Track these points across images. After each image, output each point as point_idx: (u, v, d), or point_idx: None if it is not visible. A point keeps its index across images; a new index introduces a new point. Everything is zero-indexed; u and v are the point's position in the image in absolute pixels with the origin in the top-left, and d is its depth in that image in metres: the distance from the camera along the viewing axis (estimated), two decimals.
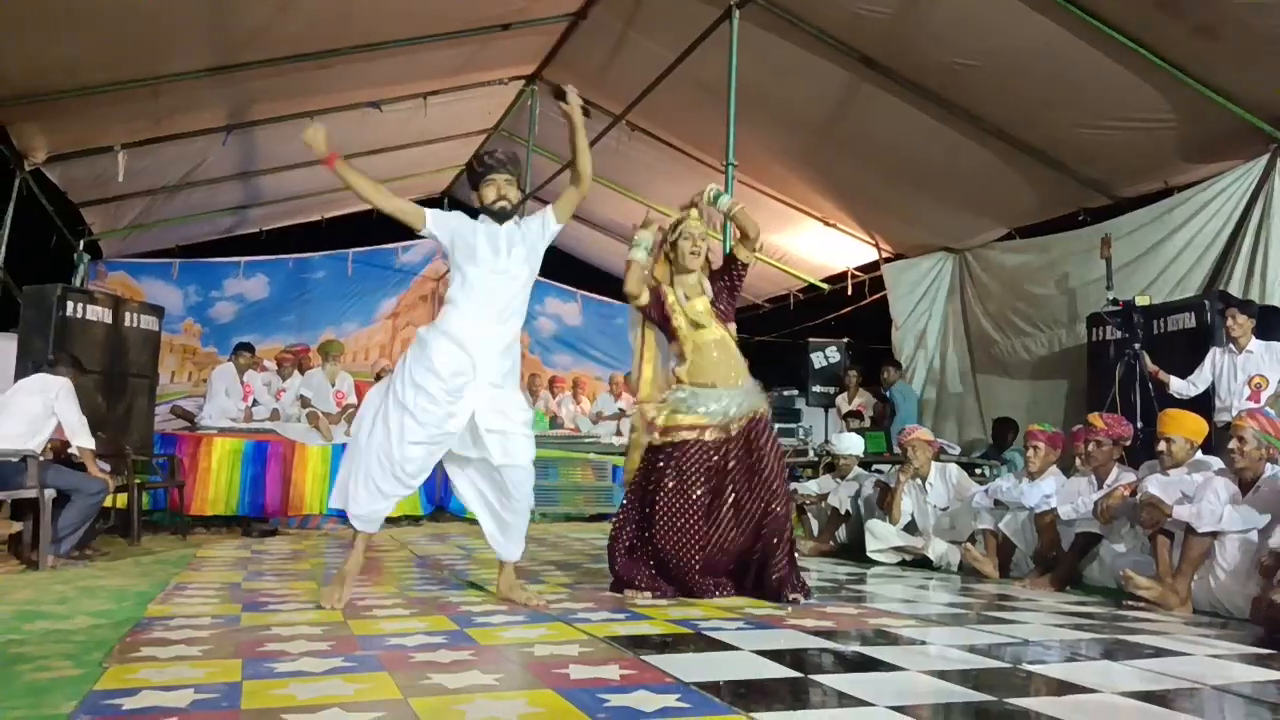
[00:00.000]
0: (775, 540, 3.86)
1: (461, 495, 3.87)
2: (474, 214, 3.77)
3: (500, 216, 3.68)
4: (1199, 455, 4.41)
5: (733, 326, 4.16)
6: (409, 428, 3.49)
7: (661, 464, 3.95)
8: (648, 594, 3.82)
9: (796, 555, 4.01)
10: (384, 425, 3.52)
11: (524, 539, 3.84)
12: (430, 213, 3.71)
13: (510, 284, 3.67)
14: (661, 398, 4.04)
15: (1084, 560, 4.68)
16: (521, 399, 3.80)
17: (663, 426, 3.96)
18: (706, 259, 4.17)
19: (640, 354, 4.24)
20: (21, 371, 6.03)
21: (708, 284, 4.14)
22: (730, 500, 3.89)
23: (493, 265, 3.62)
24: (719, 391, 3.95)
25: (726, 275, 4.17)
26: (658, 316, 4.13)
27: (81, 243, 9.42)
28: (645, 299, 4.12)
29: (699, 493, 3.87)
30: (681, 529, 3.86)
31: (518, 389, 3.81)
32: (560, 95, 3.74)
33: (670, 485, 3.89)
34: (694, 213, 4.16)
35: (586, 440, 9.87)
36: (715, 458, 3.92)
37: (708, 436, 3.92)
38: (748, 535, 3.89)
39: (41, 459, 4.95)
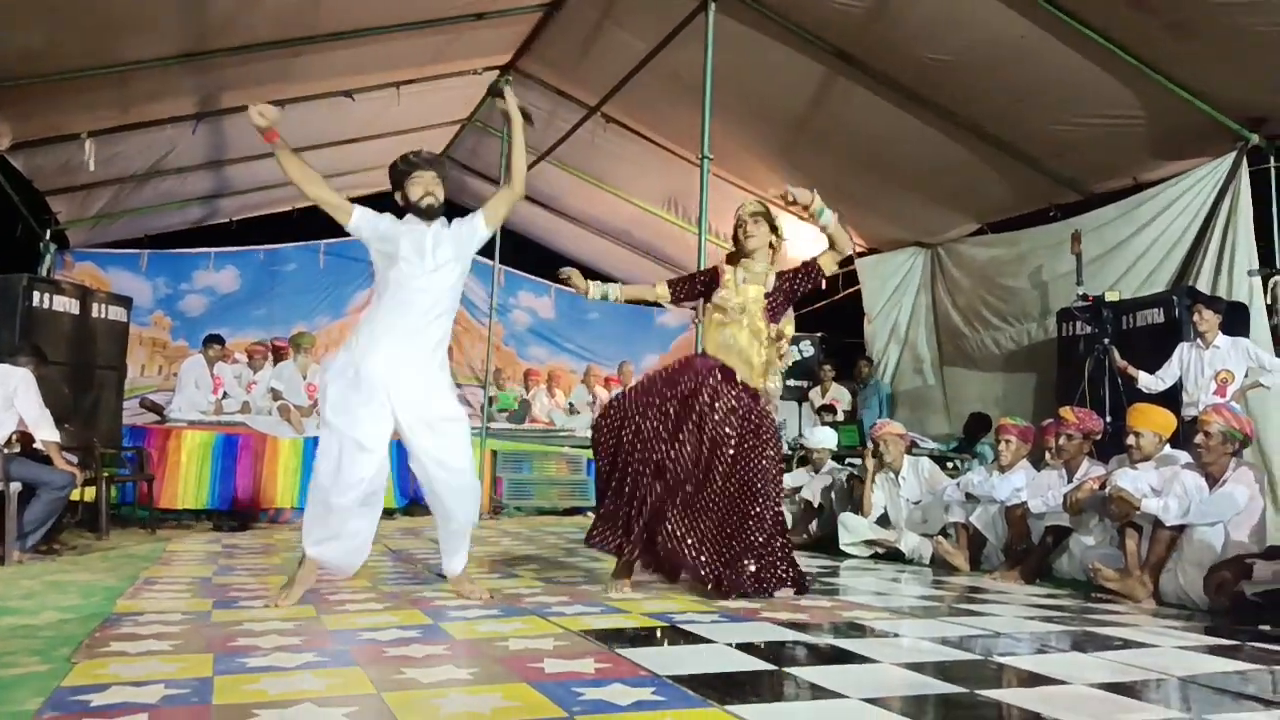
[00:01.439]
0: (761, 518, 3.79)
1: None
2: (444, 213, 3.71)
3: (427, 214, 3.63)
4: (1167, 449, 4.46)
5: (785, 328, 4.10)
6: (346, 446, 3.41)
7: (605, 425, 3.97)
8: (627, 585, 3.79)
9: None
10: (324, 454, 3.45)
11: (467, 548, 3.81)
12: (358, 210, 3.64)
13: (435, 285, 3.59)
14: None
15: (1054, 553, 4.74)
16: (453, 397, 3.70)
17: None
18: (771, 247, 4.14)
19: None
20: None
21: (772, 277, 4.07)
22: (696, 432, 3.82)
23: (417, 267, 3.56)
24: None
25: (796, 278, 4.10)
26: (704, 286, 4.13)
27: (48, 232, 9.28)
28: (666, 297, 4.18)
29: (650, 423, 3.83)
30: (640, 461, 3.81)
31: (449, 388, 3.69)
32: (497, 93, 3.71)
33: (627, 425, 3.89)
34: (750, 200, 4.16)
35: (561, 434, 9.86)
36: (680, 385, 3.88)
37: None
38: (726, 496, 3.79)
39: (6, 452, 4.87)
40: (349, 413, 3.43)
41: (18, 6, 5.64)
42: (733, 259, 4.16)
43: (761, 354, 4.00)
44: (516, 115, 3.73)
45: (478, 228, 3.74)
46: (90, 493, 6.12)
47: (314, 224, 11.29)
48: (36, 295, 6.57)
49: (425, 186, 3.63)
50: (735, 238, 4.13)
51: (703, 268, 4.53)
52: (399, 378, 3.49)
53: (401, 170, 3.66)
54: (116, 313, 7.36)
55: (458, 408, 3.71)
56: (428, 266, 3.56)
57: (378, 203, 3.82)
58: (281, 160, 3.50)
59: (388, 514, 7.89)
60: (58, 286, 6.97)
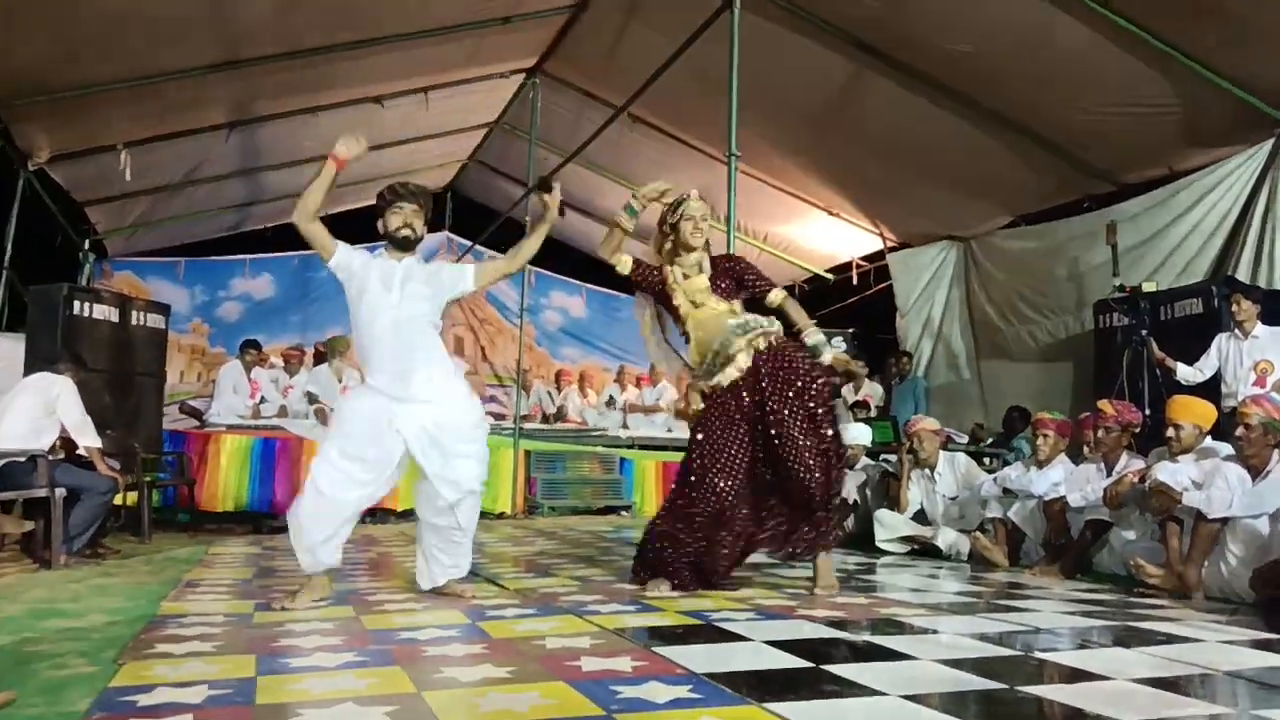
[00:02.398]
0: (818, 475, 3.70)
1: (416, 502, 3.75)
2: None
3: (402, 245, 3.65)
4: (1208, 441, 4.40)
5: (738, 304, 4.02)
6: (340, 470, 3.45)
7: (692, 451, 3.92)
8: (666, 584, 3.79)
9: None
10: (322, 472, 3.48)
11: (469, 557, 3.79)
12: (341, 248, 3.66)
13: (403, 319, 3.57)
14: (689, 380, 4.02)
15: (1094, 547, 4.68)
16: (463, 412, 3.67)
17: (693, 415, 3.95)
18: (707, 241, 4.08)
19: (647, 336, 4.24)
20: (30, 371, 6.05)
21: (707, 264, 4.04)
22: (768, 440, 3.78)
23: (383, 300, 3.56)
24: (715, 348, 3.89)
25: (747, 277, 4.06)
26: (658, 296, 4.10)
27: (87, 242, 9.44)
28: (626, 267, 4.05)
29: (724, 483, 3.78)
30: (711, 515, 3.79)
31: (461, 401, 3.68)
32: (547, 188, 3.78)
33: (694, 468, 3.86)
34: (694, 193, 4.10)
35: (594, 433, 9.87)
36: (736, 406, 3.84)
37: (725, 381, 3.85)
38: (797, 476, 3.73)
39: (50, 458, 4.96)
40: (356, 456, 3.47)
41: (52, 21, 5.75)
42: (662, 257, 4.10)
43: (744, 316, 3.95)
44: (554, 213, 3.79)
45: (462, 282, 3.76)
46: (132, 497, 6.22)
47: (347, 230, 11.38)
48: (76, 304, 6.70)
49: (404, 219, 3.64)
50: (676, 234, 4.02)
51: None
52: (402, 411, 3.50)
53: (387, 199, 3.69)
54: (155, 320, 7.48)
55: (471, 416, 3.69)
56: (392, 300, 3.57)
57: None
58: (323, 183, 3.54)
59: None
60: (97, 295, 7.10)
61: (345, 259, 3.65)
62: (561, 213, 3.85)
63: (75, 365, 5.43)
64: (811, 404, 3.75)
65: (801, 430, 3.72)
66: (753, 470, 3.85)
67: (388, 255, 3.67)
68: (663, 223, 4.09)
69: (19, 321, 7.35)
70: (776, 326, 3.95)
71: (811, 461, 3.70)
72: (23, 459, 4.83)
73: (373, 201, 3.77)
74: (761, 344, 3.87)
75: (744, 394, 3.84)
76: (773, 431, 3.76)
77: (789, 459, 3.72)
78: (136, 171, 8.01)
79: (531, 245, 3.82)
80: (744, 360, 3.84)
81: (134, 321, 7.21)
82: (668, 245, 4.09)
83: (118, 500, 5.62)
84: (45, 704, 2.08)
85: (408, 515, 7.58)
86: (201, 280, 11.06)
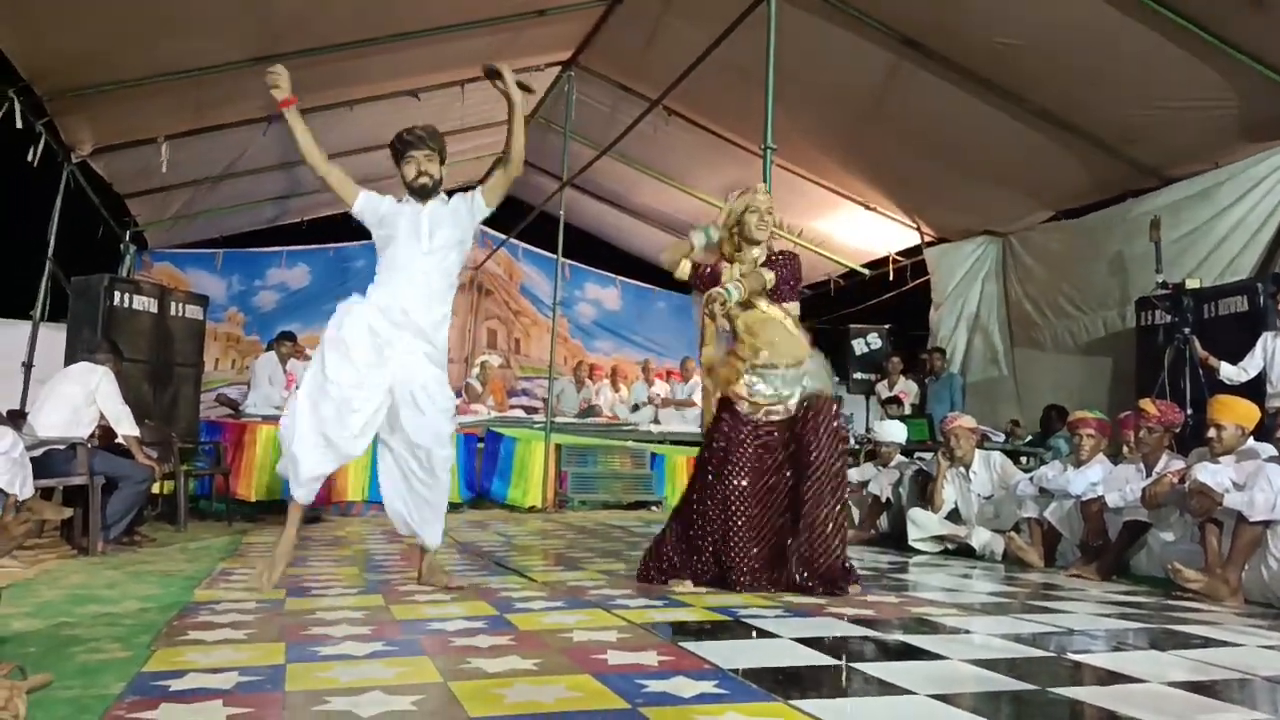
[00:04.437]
0: (827, 525, 3.71)
1: (381, 483, 3.79)
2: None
3: (422, 194, 3.65)
4: (1250, 442, 4.30)
5: (793, 306, 4.00)
6: (332, 392, 3.49)
7: (713, 445, 3.89)
8: (689, 582, 3.78)
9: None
10: (312, 394, 3.54)
11: (443, 521, 3.79)
12: (363, 193, 3.68)
13: (434, 266, 3.62)
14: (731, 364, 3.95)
15: (1132, 549, 4.60)
16: (445, 380, 3.72)
17: (723, 386, 3.90)
18: (769, 242, 4.02)
19: (702, 336, 4.20)
20: (71, 360, 6.15)
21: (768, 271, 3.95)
22: (787, 483, 3.79)
23: (414, 248, 3.59)
24: (779, 373, 3.85)
25: (780, 272, 3.98)
26: (713, 281, 3.99)
27: (128, 234, 9.59)
28: (685, 272, 4.04)
29: (743, 481, 3.79)
30: (730, 516, 3.78)
31: (444, 369, 3.74)
32: (493, 74, 3.66)
33: (712, 469, 3.85)
34: (761, 187, 4.06)
35: (624, 428, 9.87)
36: (772, 438, 3.83)
37: (761, 416, 3.84)
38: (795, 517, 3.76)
39: (90, 446, 5.04)
40: (350, 373, 3.51)
41: (96, 16, 5.83)
42: (725, 254, 4.04)
43: (794, 330, 3.94)
44: (516, 95, 3.67)
45: (478, 206, 3.76)
46: (169, 486, 6.31)
47: None
48: (117, 295, 6.81)
49: (418, 166, 3.65)
50: (741, 228, 3.96)
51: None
52: (398, 340, 3.55)
53: (397, 151, 3.69)
54: (193, 311, 7.58)
55: (448, 389, 3.72)
56: (423, 248, 3.59)
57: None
58: (295, 129, 3.58)
59: (454, 507, 8.02)
60: (137, 286, 7.20)
61: (369, 204, 3.67)
62: (526, 87, 3.74)
63: (114, 355, 5.51)
64: (836, 464, 3.79)
65: (827, 488, 3.73)
66: (770, 491, 3.83)
67: (412, 201, 3.67)
68: (729, 218, 4.05)
69: (61, 312, 7.48)
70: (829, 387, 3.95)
71: (827, 515, 3.71)
72: (63, 447, 4.91)
73: None
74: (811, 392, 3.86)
75: (777, 431, 3.84)
76: (804, 475, 3.75)
77: (808, 500, 3.72)
78: (177, 164, 8.12)
79: (518, 144, 3.71)
80: (794, 406, 3.84)
81: (173, 312, 7.31)
82: (732, 240, 4.02)
83: (155, 489, 5.70)
84: (80, 687, 2.11)
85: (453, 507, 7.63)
86: (239, 270, 11.22)
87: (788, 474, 3.81)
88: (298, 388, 3.68)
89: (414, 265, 3.60)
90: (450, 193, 3.80)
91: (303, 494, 3.61)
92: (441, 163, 3.73)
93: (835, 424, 3.87)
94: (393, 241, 3.62)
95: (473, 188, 3.85)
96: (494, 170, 3.82)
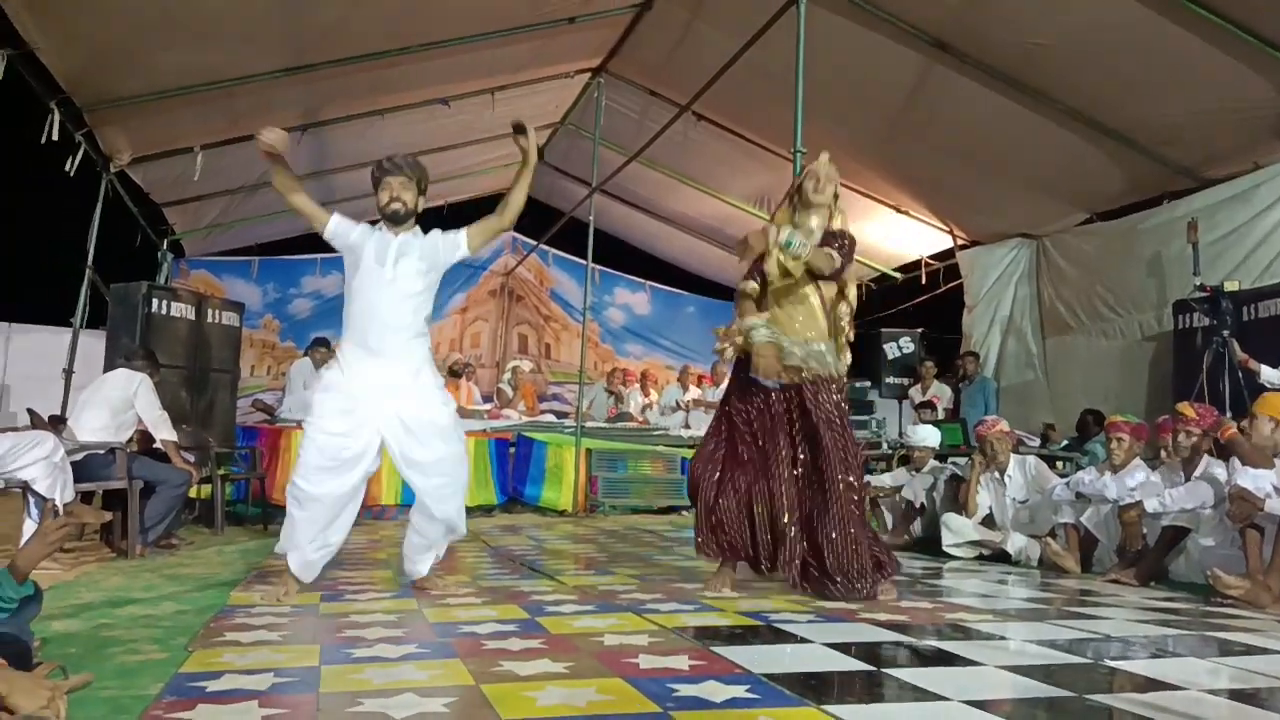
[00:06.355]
0: (843, 519, 3.63)
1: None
2: (535, 215, 3.73)
3: (394, 220, 3.64)
4: None
5: (849, 291, 3.94)
6: (311, 453, 3.47)
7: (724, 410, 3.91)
8: (728, 585, 3.73)
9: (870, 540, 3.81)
10: (301, 453, 3.53)
11: (437, 555, 3.83)
12: (334, 218, 3.68)
13: (396, 295, 3.57)
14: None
15: (1171, 555, 4.53)
16: (436, 399, 3.66)
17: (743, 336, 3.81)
18: (830, 211, 3.95)
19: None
20: (110, 366, 6.25)
21: (819, 236, 3.87)
22: (787, 454, 3.76)
23: (377, 275, 3.56)
24: (792, 339, 3.80)
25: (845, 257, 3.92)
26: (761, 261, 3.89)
27: (165, 242, 9.73)
28: (753, 255, 3.86)
29: (741, 447, 3.82)
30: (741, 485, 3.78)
31: (432, 391, 3.66)
32: (520, 130, 3.69)
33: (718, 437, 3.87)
34: (825, 156, 4.00)
35: (655, 433, 9.86)
36: (775, 407, 3.79)
37: (768, 381, 3.74)
38: (811, 501, 3.72)
39: (129, 451, 5.11)
40: (337, 431, 3.49)
41: (134, 28, 5.93)
42: (780, 220, 3.96)
43: (820, 315, 3.85)
44: (534, 156, 3.72)
45: (458, 245, 3.75)
46: (206, 490, 6.39)
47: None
48: (155, 302, 6.92)
49: (391, 192, 3.64)
50: (799, 195, 3.94)
51: None
52: (384, 402, 3.51)
53: (375, 177, 3.69)
54: (230, 318, 7.68)
55: (445, 413, 3.67)
56: (385, 276, 3.57)
57: (467, 208, 3.83)
58: (276, 176, 3.64)
59: (486, 511, 8.07)
60: (175, 293, 7.31)
61: (340, 228, 3.68)
62: (541, 156, 3.79)
63: (151, 364, 5.59)
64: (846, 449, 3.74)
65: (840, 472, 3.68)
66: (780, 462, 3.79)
67: (385, 229, 3.67)
68: (791, 188, 4.00)
69: (101, 319, 7.60)
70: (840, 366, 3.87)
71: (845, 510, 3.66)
72: (102, 451, 4.99)
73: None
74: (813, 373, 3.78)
75: (782, 401, 3.81)
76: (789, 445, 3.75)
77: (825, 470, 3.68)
78: (213, 173, 8.22)
79: (518, 200, 3.72)
80: (798, 378, 3.77)
81: (209, 319, 7.42)
82: (790, 212, 3.97)
83: (192, 493, 5.77)
84: (119, 687, 2.14)
85: (469, 512, 7.67)
86: (274, 278, 11.36)
87: (791, 442, 3.78)
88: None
89: (372, 292, 3.58)
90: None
91: (299, 574, 3.57)
92: (421, 193, 3.73)
93: (841, 407, 3.81)
94: (355, 270, 3.62)
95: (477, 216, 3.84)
96: (490, 215, 3.78)
